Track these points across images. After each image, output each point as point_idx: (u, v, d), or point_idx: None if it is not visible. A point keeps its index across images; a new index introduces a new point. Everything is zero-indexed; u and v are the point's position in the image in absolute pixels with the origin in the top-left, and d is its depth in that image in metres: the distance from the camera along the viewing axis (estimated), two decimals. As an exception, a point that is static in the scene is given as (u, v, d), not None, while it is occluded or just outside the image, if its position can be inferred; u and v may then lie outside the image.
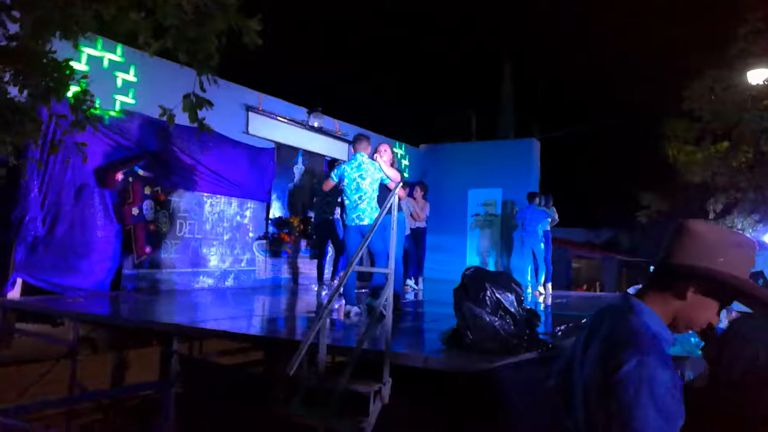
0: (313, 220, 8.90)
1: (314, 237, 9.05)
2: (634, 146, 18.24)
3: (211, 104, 2.81)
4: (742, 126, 11.12)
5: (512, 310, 3.93)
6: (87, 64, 6.37)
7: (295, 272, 9.14)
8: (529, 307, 4.13)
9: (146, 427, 4.88)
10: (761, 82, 11.04)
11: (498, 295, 3.93)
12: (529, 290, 9.43)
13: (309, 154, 9.46)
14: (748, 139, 11.16)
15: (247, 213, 8.46)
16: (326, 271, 8.04)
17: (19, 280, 5.94)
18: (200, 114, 2.82)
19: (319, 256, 7.94)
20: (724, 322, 9.25)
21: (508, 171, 11.75)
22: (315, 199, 7.63)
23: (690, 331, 1.50)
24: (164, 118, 3.09)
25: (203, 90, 2.78)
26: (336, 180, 5.81)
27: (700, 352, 6.23)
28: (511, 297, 3.97)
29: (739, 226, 11.45)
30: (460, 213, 12.11)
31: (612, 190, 18.63)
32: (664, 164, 13.47)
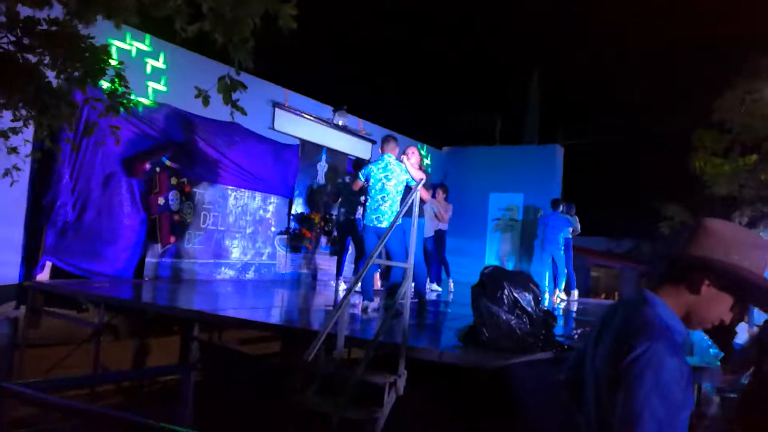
0: (335, 217, 8.99)
1: (335, 234, 9.15)
2: (660, 156, 18.01)
3: (245, 87, 2.89)
4: (772, 139, 10.92)
5: (529, 309, 3.95)
6: (116, 56, 6.53)
7: (314, 268, 9.23)
8: (546, 308, 4.14)
9: (166, 410, 4.98)
10: (793, 95, 10.85)
11: (515, 295, 3.94)
12: (547, 296, 9.38)
13: (332, 152, 9.55)
14: (777, 152, 10.96)
15: (270, 207, 8.58)
16: (345, 267, 8.11)
17: (48, 264, 6.11)
18: (233, 96, 2.90)
19: (339, 253, 8.02)
20: (744, 337, 9.07)
21: (530, 177, 11.72)
22: (340, 198, 7.71)
23: (701, 329, 1.51)
24: (192, 110, 3.17)
25: (238, 73, 2.87)
26: (363, 179, 5.83)
27: (718, 363, 6.16)
28: (529, 297, 3.99)
29: (765, 240, 11.25)
30: (481, 216, 12.10)
31: (635, 199, 18.40)
32: (690, 175, 13.28)
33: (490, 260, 11.88)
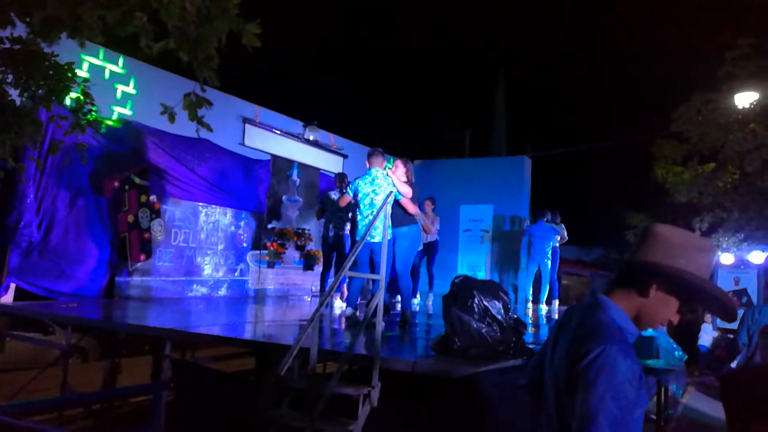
0: (322, 234, 8.99)
1: (309, 248, 9.15)
2: (626, 166, 18.50)
3: (210, 103, 2.91)
4: (727, 147, 11.34)
5: (499, 317, 4.02)
6: (89, 72, 6.48)
7: (287, 283, 9.19)
8: (516, 316, 4.22)
9: (138, 431, 4.89)
10: (747, 105, 11.30)
11: (486, 303, 4.02)
12: (531, 305, 9.46)
13: (304, 167, 9.58)
14: (733, 160, 11.38)
15: (242, 223, 8.54)
16: (328, 283, 8.06)
17: (12, 285, 5.97)
18: (199, 113, 2.92)
19: (324, 269, 7.98)
20: (707, 340, 9.30)
21: (499, 188, 11.89)
22: (325, 214, 7.65)
23: (653, 329, 1.60)
24: (160, 127, 3.19)
25: (203, 90, 2.89)
26: (351, 195, 5.79)
27: (683, 365, 6.34)
28: (499, 305, 4.06)
29: (725, 245, 11.63)
30: (453, 228, 12.22)
31: (603, 208, 18.84)
32: (654, 184, 13.69)
33: (462, 272, 11.99)
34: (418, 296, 8.84)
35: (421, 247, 8.58)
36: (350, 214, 6.77)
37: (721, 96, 11.72)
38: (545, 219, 9.29)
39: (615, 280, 1.61)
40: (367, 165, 5.85)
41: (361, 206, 5.65)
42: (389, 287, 6.22)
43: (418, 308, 8.36)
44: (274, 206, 8.98)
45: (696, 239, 1.59)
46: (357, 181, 5.77)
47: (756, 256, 11.34)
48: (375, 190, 5.63)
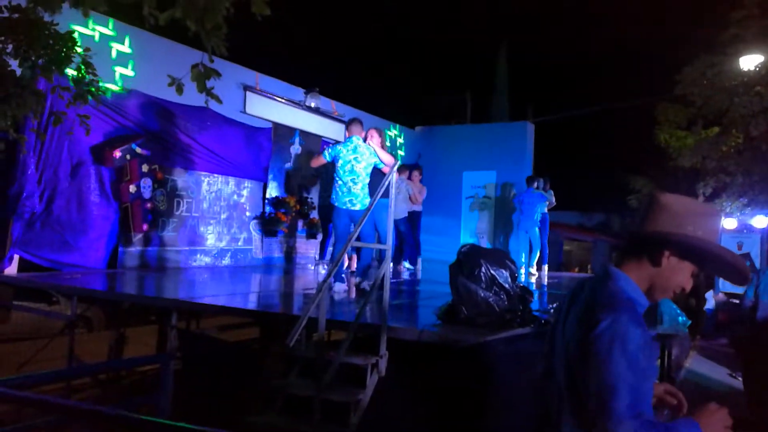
0: (317, 201, 8.98)
1: (312, 216, 9.15)
2: (628, 131, 18.35)
3: (219, 74, 2.85)
4: (732, 111, 11.20)
5: (506, 286, 4.03)
6: (79, 42, 6.31)
7: (291, 252, 9.20)
8: (522, 284, 4.23)
9: (146, 400, 4.95)
10: (753, 68, 11.11)
11: (492, 272, 4.01)
12: (523, 271, 9.53)
13: (306, 135, 9.47)
14: (738, 124, 11.26)
15: (244, 192, 8.49)
16: (328, 251, 8.10)
17: (15, 257, 5.96)
18: (207, 84, 2.86)
19: (323, 236, 8.00)
20: (711, 303, 9.40)
21: (502, 154, 11.82)
22: (319, 182, 7.67)
23: (668, 297, 1.61)
24: (162, 96, 3.12)
25: (211, 60, 2.82)
26: (329, 159, 5.79)
27: (686, 330, 6.41)
28: (506, 273, 4.06)
29: (728, 210, 11.62)
30: (455, 195, 12.19)
31: (605, 173, 18.77)
32: (657, 149, 13.61)
33: (465, 238, 12.01)
34: (407, 263, 8.90)
35: (405, 216, 8.62)
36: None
37: (726, 59, 11.51)
38: (534, 186, 9.32)
39: (624, 251, 1.62)
40: (347, 134, 5.90)
41: (341, 172, 5.67)
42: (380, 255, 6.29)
43: (408, 275, 8.43)
44: (276, 175, 8.92)
45: (701, 205, 1.62)
46: (338, 147, 5.79)
47: (759, 221, 11.34)
48: (357, 158, 5.66)
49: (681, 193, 1.63)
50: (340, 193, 5.69)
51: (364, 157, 5.68)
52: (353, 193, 5.64)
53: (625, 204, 16.28)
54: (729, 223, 11.77)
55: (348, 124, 5.91)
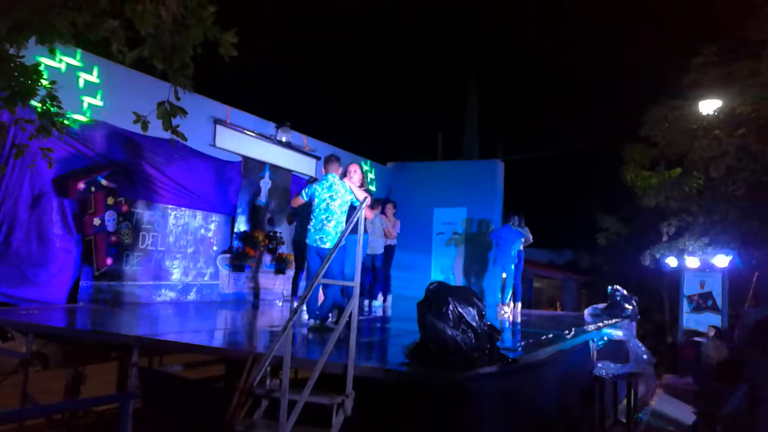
0: (283, 236, 8.92)
1: (280, 251, 9.07)
2: (597, 170, 18.82)
3: (185, 112, 2.84)
4: (692, 153, 11.62)
5: (474, 324, 4.01)
6: (46, 72, 6.23)
7: (258, 287, 9.06)
8: (489, 323, 4.22)
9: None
10: (712, 112, 11.59)
11: (460, 310, 4.00)
12: (505, 309, 9.53)
13: (276, 169, 9.46)
14: (698, 165, 11.66)
15: (212, 226, 8.39)
16: (301, 287, 8.00)
17: (-30, 291, 5.74)
18: (173, 122, 2.85)
19: (295, 271, 7.91)
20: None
21: (473, 191, 11.97)
22: (296, 218, 7.63)
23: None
24: (129, 128, 3.09)
25: (177, 98, 2.81)
26: (306, 199, 5.83)
27: (652, 369, 6.47)
28: (473, 311, 4.05)
29: (690, 249, 11.92)
30: (426, 231, 12.25)
31: (575, 211, 19.15)
32: (624, 188, 13.97)
33: (436, 274, 12.02)
34: (379, 298, 8.85)
35: (382, 252, 8.61)
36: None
37: (686, 103, 12.02)
38: (511, 223, 9.42)
39: None
40: (323, 171, 5.92)
41: (317, 210, 5.71)
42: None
43: (380, 312, 8.37)
44: (245, 209, 8.84)
45: None
46: (314, 186, 5.82)
47: (720, 260, 11.64)
48: (332, 195, 5.68)
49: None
50: (312, 230, 5.71)
51: (339, 194, 5.70)
52: (325, 230, 5.64)
53: (593, 242, 16.57)
54: (691, 263, 12.04)
55: (325, 161, 5.92)
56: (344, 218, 5.74)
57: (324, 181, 5.76)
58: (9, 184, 5.90)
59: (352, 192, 5.78)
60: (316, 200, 5.70)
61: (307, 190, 5.86)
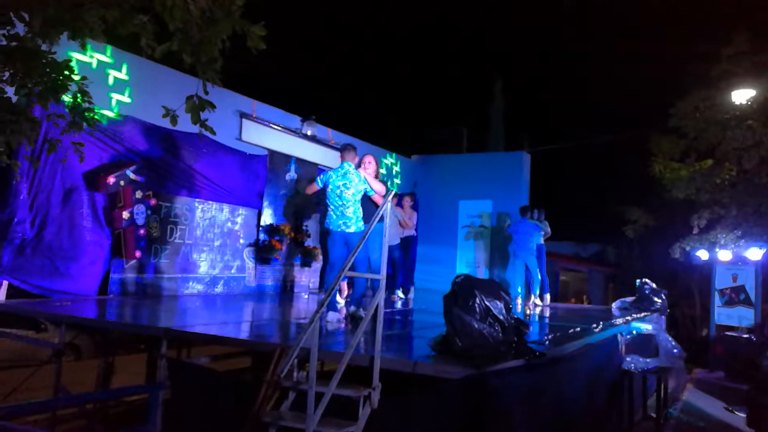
0: (309, 229, 8.95)
1: (307, 244, 9.11)
2: (623, 162, 18.49)
3: (213, 106, 2.85)
4: (725, 144, 11.32)
5: (501, 317, 3.98)
6: (77, 69, 6.35)
7: (285, 280, 9.13)
8: (516, 316, 4.18)
9: (132, 431, 4.83)
10: (745, 102, 11.27)
11: (487, 303, 3.97)
12: (519, 302, 9.48)
13: (301, 162, 9.50)
14: (731, 157, 11.36)
15: (239, 219, 8.46)
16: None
17: (4, 283, 5.88)
18: (202, 116, 2.87)
19: (323, 264, 7.96)
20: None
21: (498, 183, 11.87)
22: (321, 208, 7.70)
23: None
24: (157, 122, 3.12)
25: (206, 92, 2.83)
26: (321, 185, 5.91)
27: (682, 364, 6.34)
28: (500, 305, 4.02)
29: (722, 242, 11.63)
30: (451, 224, 12.19)
31: (600, 204, 18.84)
32: (651, 180, 13.68)
33: (461, 268, 11.96)
34: (401, 289, 8.83)
35: (398, 242, 8.59)
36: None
37: (718, 93, 11.70)
38: (528, 216, 9.34)
39: None
40: (340, 159, 5.95)
41: (331, 197, 5.76)
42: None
43: (400, 304, 8.36)
44: (271, 202, 8.90)
45: None
46: (329, 173, 5.86)
47: (753, 253, 11.34)
48: (346, 184, 5.71)
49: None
50: (333, 217, 5.76)
51: (353, 183, 5.73)
52: (346, 216, 5.69)
53: (620, 234, 16.30)
54: (723, 256, 11.76)
55: (341, 150, 5.97)
56: (359, 206, 5.77)
57: (339, 169, 5.80)
58: (41, 178, 6.02)
59: (366, 182, 5.80)
60: (330, 187, 5.75)
61: (321, 176, 5.93)
